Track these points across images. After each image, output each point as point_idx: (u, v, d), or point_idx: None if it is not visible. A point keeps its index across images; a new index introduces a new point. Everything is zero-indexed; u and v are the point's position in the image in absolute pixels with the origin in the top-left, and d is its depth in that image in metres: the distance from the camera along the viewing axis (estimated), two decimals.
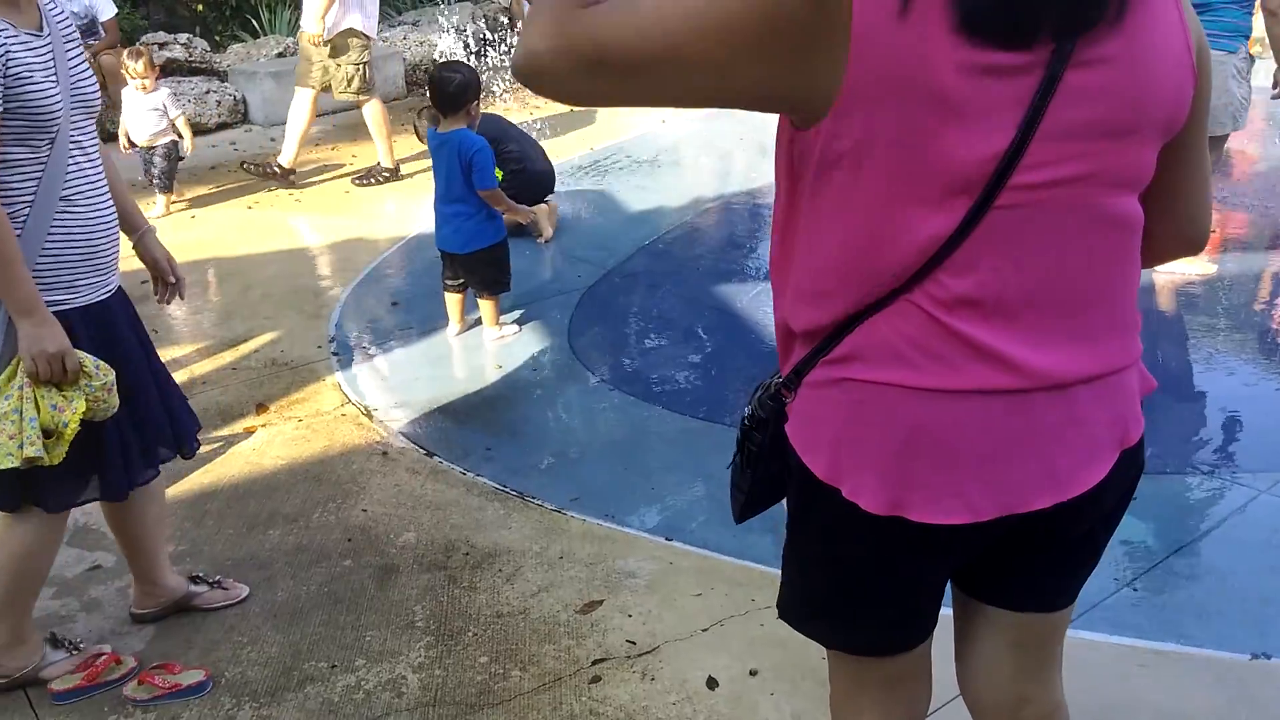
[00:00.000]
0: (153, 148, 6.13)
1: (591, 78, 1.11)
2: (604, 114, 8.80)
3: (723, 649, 2.53)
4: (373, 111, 6.87)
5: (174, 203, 6.33)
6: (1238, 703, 2.29)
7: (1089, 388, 1.25)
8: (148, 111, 6.08)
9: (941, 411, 1.20)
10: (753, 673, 2.43)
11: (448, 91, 4.25)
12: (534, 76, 1.12)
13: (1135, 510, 3.11)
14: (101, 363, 2.20)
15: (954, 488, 1.23)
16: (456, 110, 4.26)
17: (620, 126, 8.33)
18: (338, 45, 6.57)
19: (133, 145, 6.16)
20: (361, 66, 6.71)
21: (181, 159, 6.38)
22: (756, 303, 4.80)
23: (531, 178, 5.95)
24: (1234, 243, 5.62)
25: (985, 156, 1.12)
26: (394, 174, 6.97)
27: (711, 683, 2.41)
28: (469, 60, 10.37)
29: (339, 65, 6.63)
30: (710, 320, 4.77)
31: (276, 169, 6.80)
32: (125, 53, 6.15)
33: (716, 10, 1.06)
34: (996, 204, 1.14)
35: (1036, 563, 1.41)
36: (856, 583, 1.38)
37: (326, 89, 6.81)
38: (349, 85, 6.72)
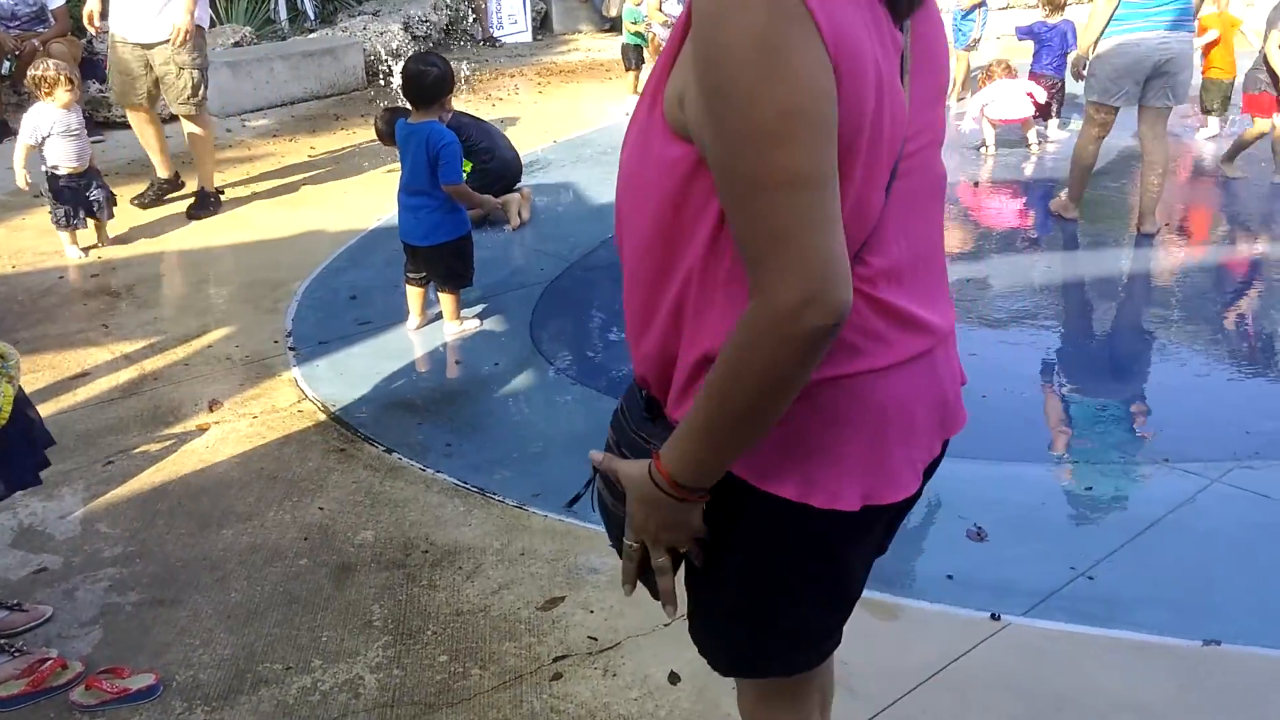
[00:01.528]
0: (82, 175, 5.28)
1: None
2: (566, 106, 8.78)
3: (685, 643, 2.45)
4: (205, 128, 6.05)
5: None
6: (1189, 689, 2.31)
7: (950, 338, 1.34)
8: (70, 137, 5.20)
9: (892, 387, 1.23)
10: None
11: (423, 85, 4.20)
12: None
13: (1091, 500, 3.17)
14: (3, 342, 2.20)
15: (908, 460, 1.26)
16: (430, 103, 4.22)
17: (584, 119, 8.30)
18: (184, 49, 5.67)
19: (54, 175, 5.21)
20: (204, 73, 5.88)
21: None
22: None
23: (500, 168, 5.93)
24: (1189, 234, 5.72)
25: (901, 129, 1.17)
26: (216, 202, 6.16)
27: (674, 678, 2.40)
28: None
29: (180, 72, 5.70)
30: None
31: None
32: (36, 65, 5.35)
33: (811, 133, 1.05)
34: (899, 174, 1.19)
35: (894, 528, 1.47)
36: (841, 593, 1.38)
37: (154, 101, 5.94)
38: (191, 95, 5.80)
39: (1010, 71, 7.28)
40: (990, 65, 7.52)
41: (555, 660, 2.47)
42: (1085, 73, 5.52)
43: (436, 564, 2.84)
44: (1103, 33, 5.19)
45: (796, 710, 1.51)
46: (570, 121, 8.24)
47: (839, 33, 1.05)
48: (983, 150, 7.23)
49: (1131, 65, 5.16)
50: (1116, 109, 5.42)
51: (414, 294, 4.49)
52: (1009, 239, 5.95)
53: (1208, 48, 7.21)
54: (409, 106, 4.32)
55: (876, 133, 1.12)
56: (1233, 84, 7.36)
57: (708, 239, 1.16)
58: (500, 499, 3.19)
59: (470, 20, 11.57)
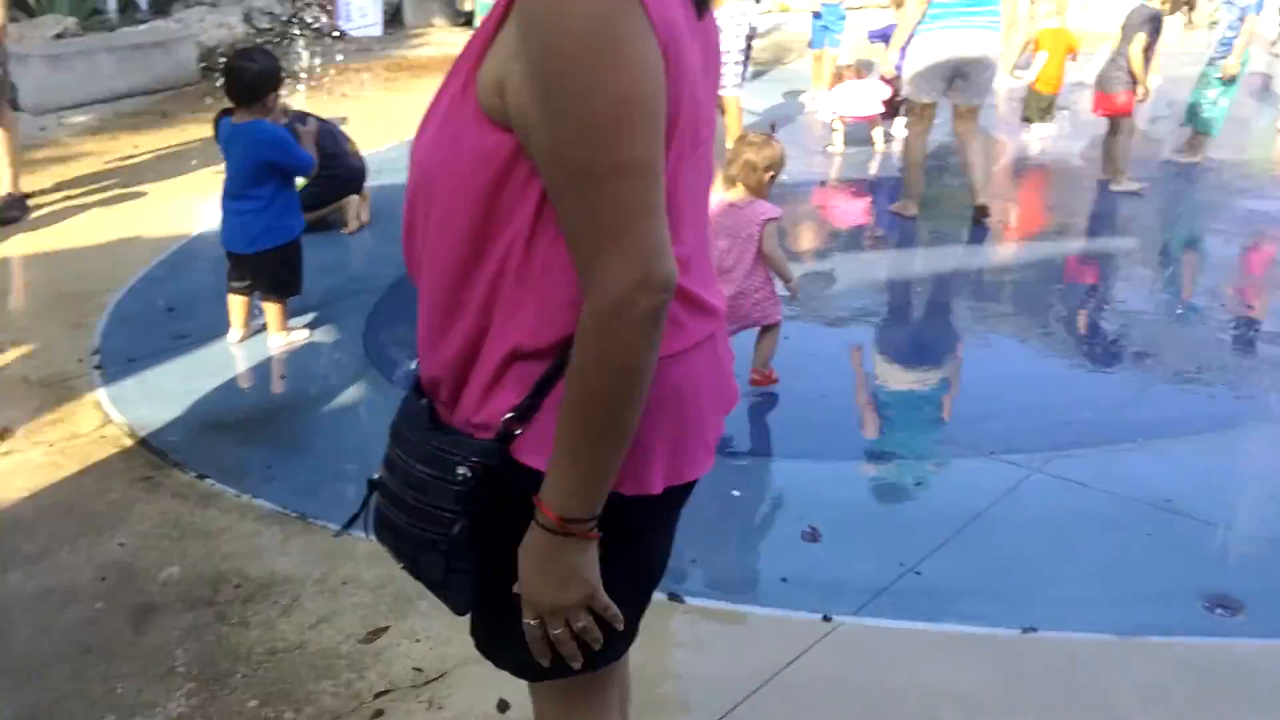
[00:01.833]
0: None
1: None
2: (416, 102, 8.51)
3: (478, 683, 2.41)
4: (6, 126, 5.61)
5: None
6: (1011, 676, 2.37)
7: (724, 318, 1.37)
8: None
9: (687, 370, 1.25)
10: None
11: (244, 82, 3.97)
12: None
13: (920, 495, 3.23)
14: None
15: (703, 439, 1.30)
16: (253, 101, 3.99)
17: None
18: None
19: None
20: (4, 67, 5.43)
21: None
22: None
23: (346, 175, 5.69)
24: (1019, 231, 5.95)
25: (703, 121, 1.20)
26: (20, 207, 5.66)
27: (503, 705, 2.31)
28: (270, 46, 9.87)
29: None
30: None
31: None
32: None
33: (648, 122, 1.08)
34: (692, 164, 1.21)
35: None
36: (647, 581, 1.39)
37: None
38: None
39: (859, 73, 7.44)
40: (840, 67, 7.68)
41: (377, 696, 2.34)
42: (897, 72, 5.83)
43: (249, 599, 2.66)
44: (913, 33, 5.46)
45: (602, 709, 1.47)
46: (418, 119, 8.00)
47: (667, 23, 1.07)
48: (829, 149, 7.36)
49: (937, 64, 5.42)
50: (935, 104, 5.67)
51: (237, 304, 4.24)
52: (851, 238, 6.08)
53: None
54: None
55: (689, 123, 1.15)
56: (1055, 99, 7.72)
57: (524, 231, 1.15)
58: (323, 524, 3.02)
59: (316, 12, 11.14)
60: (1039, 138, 7.77)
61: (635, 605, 1.37)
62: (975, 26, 5.31)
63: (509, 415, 1.20)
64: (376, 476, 1.36)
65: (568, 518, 1.14)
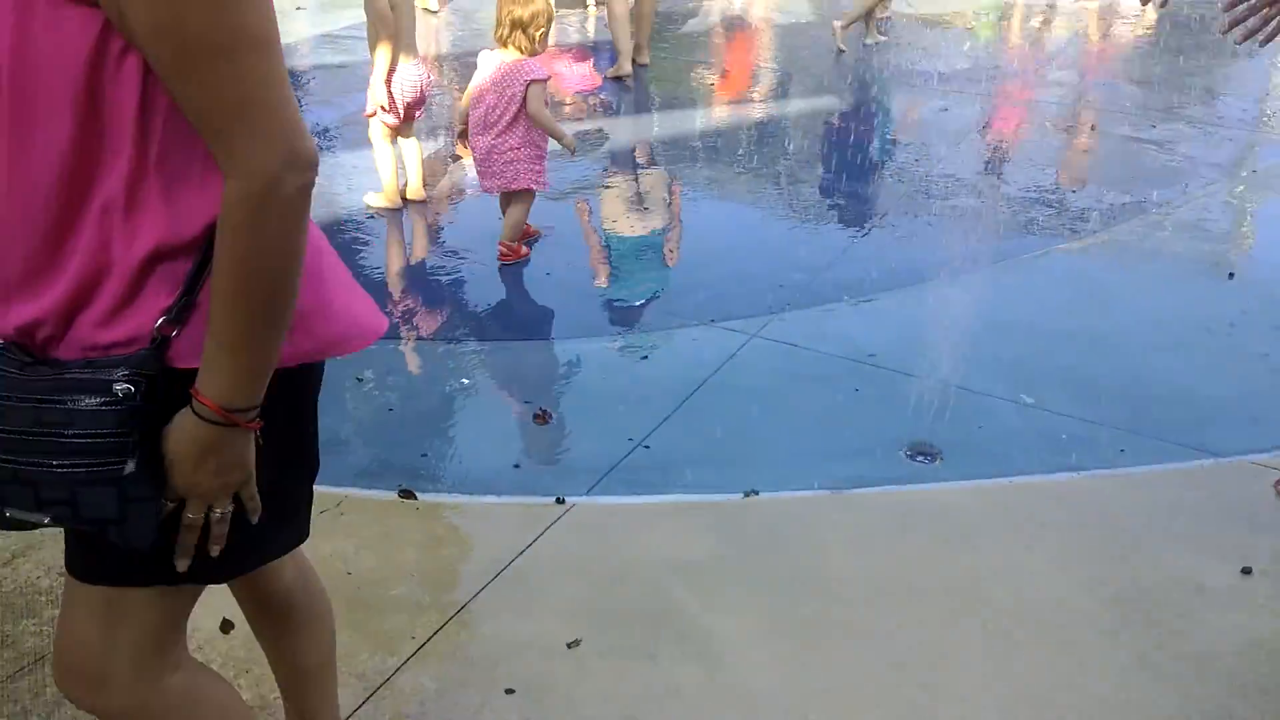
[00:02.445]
0: None
1: None
2: None
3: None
4: None
5: None
6: (733, 541, 2.48)
7: None
8: None
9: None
10: None
11: None
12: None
13: (647, 368, 3.30)
14: None
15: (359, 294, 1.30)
16: None
17: None
18: None
19: None
20: None
21: None
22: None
23: None
24: (720, 89, 6.05)
25: None
26: None
27: (226, 626, 2.19)
28: None
29: None
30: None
31: None
32: None
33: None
34: None
35: None
36: (315, 463, 1.34)
37: None
38: None
39: None
40: None
41: None
42: None
43: None
44: None
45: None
46: None
47: None
48: None
49: None
50: None
51: None
52: (567, 107, 5.97)
53: None
54: None
55: None
56: None
57: (132, 116, 1.02)
58: None
59: None
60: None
61: (302, 494, 1.32)
62: None
63: (162, 319, 1.08)
64: None
65: (231, 406, 1.08)
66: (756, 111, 5.78)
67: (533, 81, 3.65)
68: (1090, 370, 3.20)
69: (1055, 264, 3.98)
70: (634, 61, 5.99)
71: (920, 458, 2.80)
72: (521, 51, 3.68)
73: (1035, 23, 7.59)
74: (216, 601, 2.24)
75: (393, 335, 3.49)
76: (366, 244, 4.04)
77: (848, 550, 2.43)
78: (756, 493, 2.63)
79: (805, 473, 2.72)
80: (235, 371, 1.08)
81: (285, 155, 1.02)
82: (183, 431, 1.10)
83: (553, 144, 3.81)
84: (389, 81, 3.96)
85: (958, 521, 2.53)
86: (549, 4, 3.76)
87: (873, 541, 2.46)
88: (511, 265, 3.87)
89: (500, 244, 3.85)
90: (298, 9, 6.95)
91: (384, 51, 3.90)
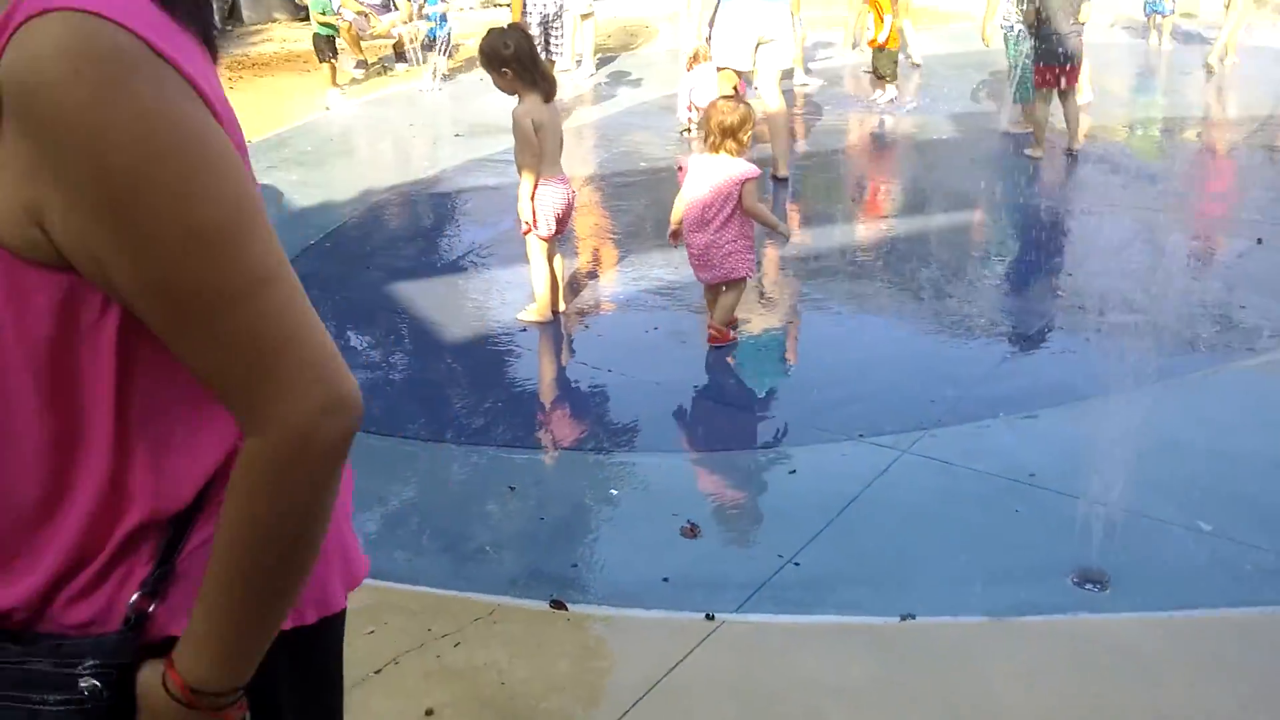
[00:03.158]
0: None
1: None
2: (261, 102, 8.21)
3: (398, 689, 2.36)
4: None
5: None
6: (891, 666, 2.40)
7: None
8: None
9: None
10: (429, 712, 2.28)
11: None
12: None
13: (795, 483, 3.26)
14: None
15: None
16: None
17: (280, 116, 7.79)
18: None
19: None
20: None
21: None
22: (437, 302, 4.60)
23: None
24: (876, 205, 6.08)
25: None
26: None
27: None
28: None
29: None
30: (385, 325, 4.53)
31: None
32: None
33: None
34: None
35: None
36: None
37: None
38: None
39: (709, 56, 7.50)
40: (696, 50, 7.70)
41: None
42: (708, 41, 6.38)
43: None
44: (717, 8, 6.11)
45: None
46: (265, 120, 7.70)
47: (222, 106, 0.89)
48: (686, 134, 7.39)
49: (739, 34, 6.01)
50: (740, 71, 6.17)
51: None
52: None
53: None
54: None
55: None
56: (897, 54, 8.04)
57: (112, 390, 0.90)
58: None
59: None
60: (887, 100, 7.99)
61: None
62: (767, 2, 5.97)
63: (138, 595, 0.94)
64: None
65: (203, 689, 0.91)
66: (901, 223, 5.77)
67: (748, 179, 3.93)
68: (1273, 497, 3.01)
69: (1227, 382, 3.79)
70: (773, 176, 6.12)
71: (1089, 585, 2.66)
72: (731, 154, 3.96)
73: (1190, 133, 7.40)
74: (378, 704, 2.30)
75: (544, 445, 3.57)
76: (519, 357, 4.17)
77: (1013, 682, 2.31)
78: (913, 616, 2.54)
79: (964, 597, 2.62)
80: (223, 649, 0.92)
81: (323, 401, 0.87)
82: (152, 706, 0.94)
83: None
84: (534, 197, 4.15)
85: (1134, 656, 2.38)
86: (751, 108, 4.09)
87: (1041, 674, 2.33)
88: (716, 349, 4.05)
89: (711, 328, 4.12)
90: (455, 135, 7.38)
91: (530, 170, 4.11)
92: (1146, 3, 9.78)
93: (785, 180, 6.21)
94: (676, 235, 4.16)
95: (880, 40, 8.07)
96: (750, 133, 4.03)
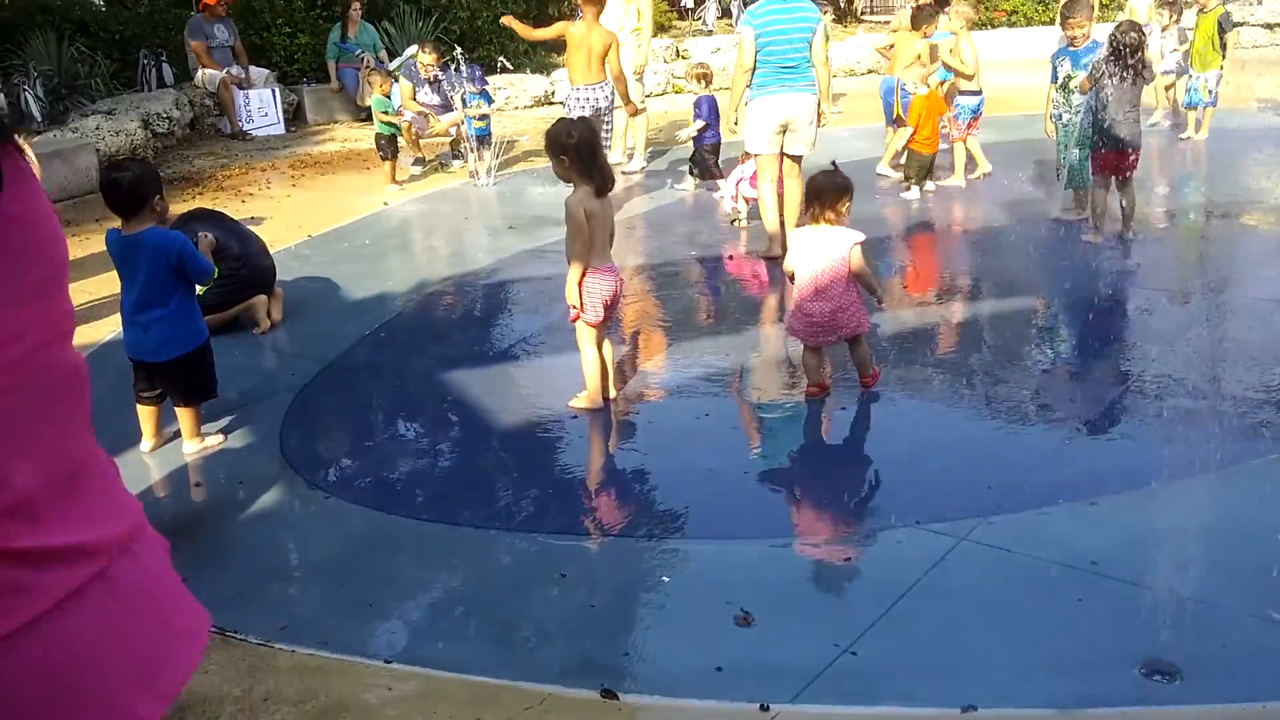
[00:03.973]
0: None
1: None
2: (322, 199, 8.49)
3: None
4: None
5: None
6: None
7: (137, 541, 1.20)
8: None
9: (55, 640, 1.05)
10: None
11: (121, 192, 3.90)
12: None
13: (849, 570, 3.22)
14: None
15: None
16: (140, 209, 3.93)
17: (341, 211, 8.04)
18: None
19: None
20: None
21: None
22: (488, 389, 4.67)
23: (251, 275, 5.60)
24: (912, 296, 6.08)
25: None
26: None
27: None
28: (153, 153, 9.77)
29: None
30: (437, 412, 4.59)
31: None
32: None
33: None
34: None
35: None
36: None
37: None
38: None
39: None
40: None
41: None
42: (736, 128, 6.75)
43: None
44: (742, 97, 6.48)
45: None
46: (326, 215, 7.96)
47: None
48: (736, 224, 7.50)
49: (767, 121, 6.35)
50: (776, 155, 6.43)
51: (147, 413, 4.13)
52: (750, 307, 6.11)
53: (918, 122, 7.95)
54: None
55: None
56: (933, 158, 8.07)
57: None
58: (242, 637, 2.91)
59: (217, 114, 11.09)
60: (919, 197, 8.03)
61: None
62: (794, 90, 6.32)
63: None
64: None
65: None
66: (954, 308, 5.76)
67: (855, 244, 4.23)
68: None
69: None
70: (763, 255, 6.34)
71: (1157, 676, 2.58)
72: (830, 224, 4.28)
73: (1250, 220, 7.35)
74: None
75: (594, 532, 3.57)
76: (569, 444, 4.20)
77: None
78: (975, 708, 2.48)
79: (1028, 688, 2.55)
80: None
81: None
82: None
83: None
84: (582, 284, 4.22)
85: None
86: (849, 180, 4.37)
87: None
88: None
89: (867, 377, 4.44)
90: (509, 228, 7.55)
91: (580, 258, 4.18)
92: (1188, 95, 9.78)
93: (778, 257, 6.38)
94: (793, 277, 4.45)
95: (906, 142, 8.19)
96: (849, 203, 4.32)
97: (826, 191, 4.27)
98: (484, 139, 9.13)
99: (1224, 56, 9.40)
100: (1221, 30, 9.33)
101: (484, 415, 4.45)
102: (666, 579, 3.20)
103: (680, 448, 4.17)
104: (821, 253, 4.26)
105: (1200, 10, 9.66)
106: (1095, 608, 2.88)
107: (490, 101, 9.52)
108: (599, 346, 4.36)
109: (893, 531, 3.38)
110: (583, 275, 4.21)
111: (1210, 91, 9.41)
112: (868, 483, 3.85)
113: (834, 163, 4.59)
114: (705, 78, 8.76)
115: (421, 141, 9.44)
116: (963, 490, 3.58)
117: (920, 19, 8.53)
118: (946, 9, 8.66)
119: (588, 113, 6.70)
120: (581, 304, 4.23)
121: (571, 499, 3.81)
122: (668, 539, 3.44)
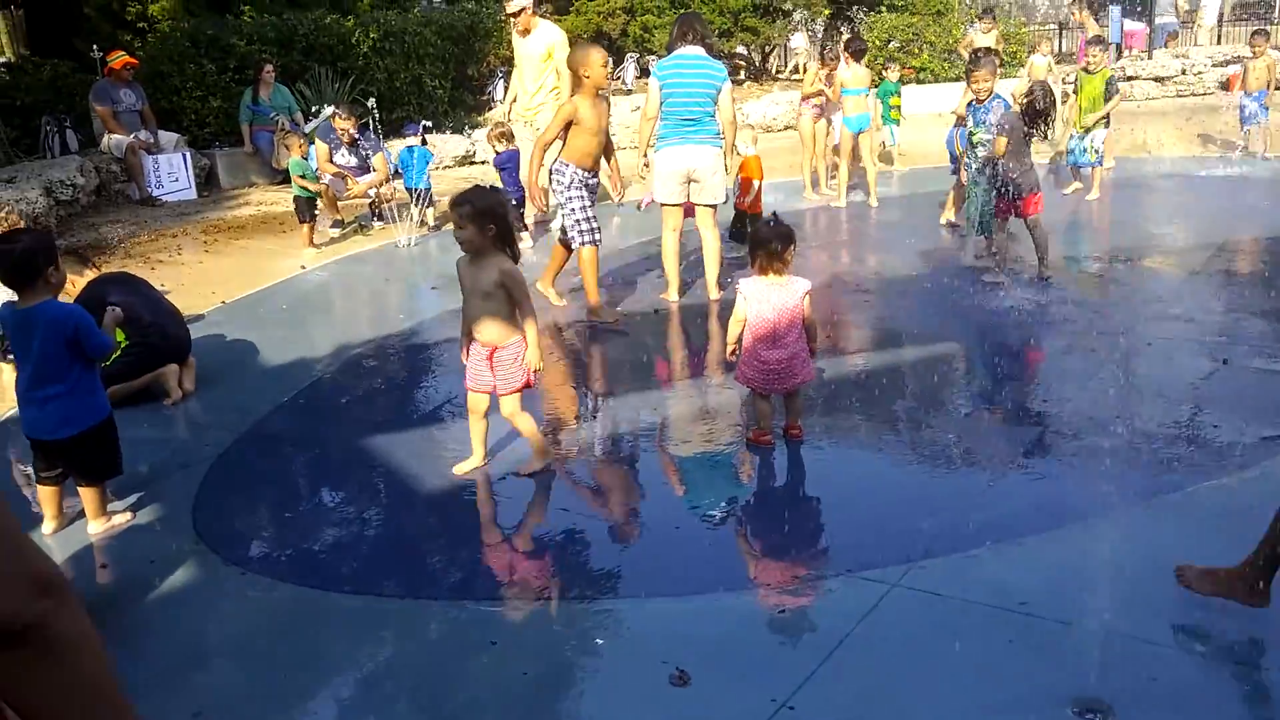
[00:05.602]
0: None
1: None
2: (236, 264, 8.32)
3: None
4: None
5: None
6: None
7: None
8: None
9: None
10: None
11: (11, 265, 3.75)
12: None
13: (784, 623, 3.19)
14: None
15: None
16: (32, 281, 3.77)
17: (256, 276, 7.88)
18: None
19: None
20: None
21: None
22: (412, 454, 4.57)
23: (160, 344, 5.44)
24: (828, 347, 6.16)
25: None
26: None
27: None
28: (51, 221, 9.50)
29: None
30: (360, 480, 4.47)
31: None
32: None
33: None
34: None
35: None
36: None
37: None
38: None
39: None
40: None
41: None
42: (646, 172, 7.01)
43: None
44: (650, 148, 6.72)
45: None
46: (241, 280, 7.80)
47: None
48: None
49: (670, 172, 6.60)
50: (680, 205, 6.68)
51: (48, 494, 3.95)
52: (662, 359, 6.12)
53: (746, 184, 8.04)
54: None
55: None
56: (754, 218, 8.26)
57: None
58: None
59: (125, 180, 10.85)
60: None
61: None
62: (697, 142, 6.53)
63: None
64: None
65: None
66: (870, 357, 5.83)
67: (807, 293, 4.34)
68: (1272, 614, 2.96)
69: (1206, 500, 3.78)
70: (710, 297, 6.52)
71: (1090, 714, 2.59)
72: (778, 274, 4.34)
73: (1149, 260, 7.62)
74: None
75: (526, 596, 3.48)
76: (498, 507, 4.12)
77: None
78: None
79: None
80: None
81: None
82: None
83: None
84: (466, 350, 4.19)
85: None
86: (791, 230, 4.40)
87: None
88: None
89: (795, 428, 4.48)
90: (432, 289, 7.48)
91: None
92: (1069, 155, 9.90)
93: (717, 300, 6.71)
94: (734, 355, 4.51)
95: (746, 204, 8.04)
96: (793, 250, 4.38)
97: (771, 241, 4.33)
98: (413, 194, 9.12)
99: (1107, 118, 9.58)
100: (1108, 94, 9.50)
101: (408, 481, 4.35)
102: (600, 641, 3.14)
103: (608, 505, 4.12)
104: (777, 301, 4.32)
105: (1085, 70, 9.75)
106: (1025, 648, 2.89)
107: (429, 159, 9.54)
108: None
109: (824, 581, 3.37)
110: (469, 340, 4.19)
111: (1096, 151, 9.62)
112: (800, 532, 3.84)
113: (775, 213, 4.66)
114: (506, 136, 8.89)
115: (340, 203, 9.35)
116: (892, 537, 3.58)
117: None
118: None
119: (587, 199, 6.44)
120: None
121: (500, 563, 3.72)
122: (600, 599, 3.37)
